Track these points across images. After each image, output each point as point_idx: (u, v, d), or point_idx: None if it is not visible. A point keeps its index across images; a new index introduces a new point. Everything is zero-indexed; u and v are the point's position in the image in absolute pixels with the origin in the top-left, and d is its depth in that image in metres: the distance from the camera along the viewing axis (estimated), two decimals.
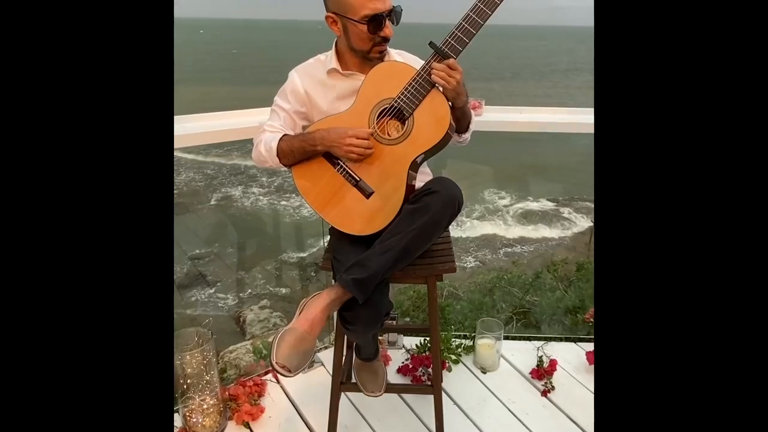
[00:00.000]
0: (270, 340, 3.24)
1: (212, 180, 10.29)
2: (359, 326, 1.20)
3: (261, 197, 9.50)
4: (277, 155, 1.31)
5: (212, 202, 9.35)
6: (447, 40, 1.20)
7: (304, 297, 1.24)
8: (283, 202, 9.07)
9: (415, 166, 1.28)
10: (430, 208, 1.18)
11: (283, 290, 5.45)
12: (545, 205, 9.98)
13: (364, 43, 1.28)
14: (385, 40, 1.29)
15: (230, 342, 3.37)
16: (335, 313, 1.30)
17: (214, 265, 6.26)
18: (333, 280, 1.28)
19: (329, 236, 1.43)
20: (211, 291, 5.72)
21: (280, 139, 1.31)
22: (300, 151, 1.29)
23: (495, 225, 8.85)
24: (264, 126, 1.39)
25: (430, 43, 1.22)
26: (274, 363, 1.11)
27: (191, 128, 1.69)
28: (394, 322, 1.99)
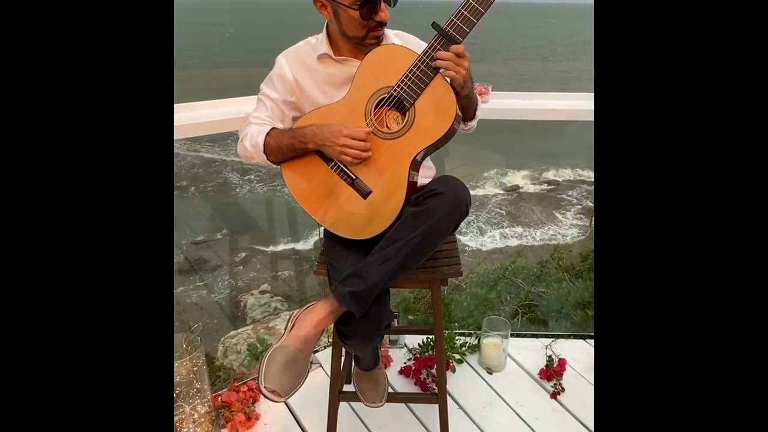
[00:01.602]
0: (271, 325, 3.19)
1: (210, 164, 10.15)
2: (357, 340, 1.10)
3: (258, 184, 9.37)
4: (264, 152, 1.19)
5: (210, 188, 9.24)
6: (452, 20, 1.07)
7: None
8: (285, 189, 8.96)
9: (416, 165, 1.16)
10: (435, 213, 1.07)
11: (286, 272, 5.39)
12: (545, 189, 9.86)
13: (358, 29, 1.15)
14: (381, 24, 1.16)
15: (231, 327, 3.32)
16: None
17: (212, 251, 6.22)
18: (329, 285, 1.17)
19: (324, 237, 1.32)
20: (210, 277, 5.68)
21: (268, 134, 1.19)
22: (289, 149, 1.17)
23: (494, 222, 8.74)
24: (250, 118, 1.26)
25: (433, 24, 1.09)
26: (262, 388, 1.00)
27: (181, 119, 1.58)
28: (396, 322, 1.90)
